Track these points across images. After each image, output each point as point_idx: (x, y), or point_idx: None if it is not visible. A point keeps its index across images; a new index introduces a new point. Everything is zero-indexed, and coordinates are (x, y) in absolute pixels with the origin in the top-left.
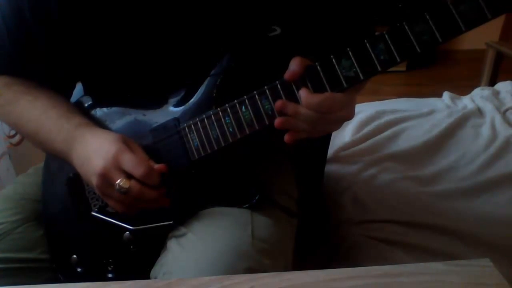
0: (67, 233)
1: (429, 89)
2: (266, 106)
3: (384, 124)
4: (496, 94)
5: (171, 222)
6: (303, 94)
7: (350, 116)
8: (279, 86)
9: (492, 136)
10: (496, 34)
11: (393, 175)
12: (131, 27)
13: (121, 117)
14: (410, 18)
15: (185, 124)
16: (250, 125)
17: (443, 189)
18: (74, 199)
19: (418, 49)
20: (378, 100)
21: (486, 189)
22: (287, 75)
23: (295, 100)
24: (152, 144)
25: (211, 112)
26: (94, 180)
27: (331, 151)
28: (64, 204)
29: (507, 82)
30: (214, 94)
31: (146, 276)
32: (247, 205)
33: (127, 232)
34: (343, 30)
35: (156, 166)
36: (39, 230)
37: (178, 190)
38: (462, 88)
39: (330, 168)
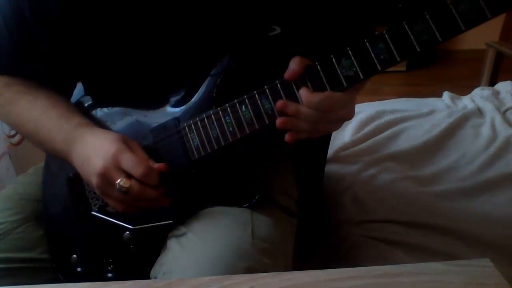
0: (67, 233)
1: (429, 89)
2: (266, 106)
3: (384, 124)
4: (496, 94)
5: (171, 221)
6: (303, 93)
7: (350, 115)
8: (279, 86)
9: (492, 136)
10: (496, 34)
11: (393, 175)
12: (132, 27)
13: (121, 117)
14: (410, 18)
15: (185, 124)
16: (250, 125)
17: (443, 189)
18: (74, 199)
19: (418, 49)
20: (378, 100)
21: (486, 189)
22: (287, 74)
23: (295, 99)
24: (152, 143)
25: (211, 112)
26: (94, 180)
27: (331, 151)
28: (64, 204)
29: (507, 82)
30: (214, 94)
31: (146, 276)
32: (247, 204)
33: (127, 232)
34: (343, 30)
35: (156, 165)
36: (39, 230)
37: (178, 189)
38: (462, 88)
39: (330, 168)
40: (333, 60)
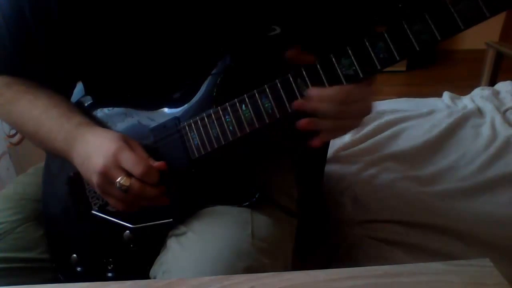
0: (67, 232)
1: (429, 89)
2: (266, 105)
3: (384, 124)
4: (496, 94)
5: (171, 220)
6: (315, 89)
7: (369, 109)
8: (279, 85)
9: (492, 136)
10: (496, 34)
11: (393, 175)
12: (132, 27)
13: (122, 118)
14: (409, 17)
15: (185, 123)
16: (250, 124)
17: (443, 189)
18: (74, 198)
19: (417, 48)
20: (378, 100)
21: (486, 189)
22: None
23: (295, 99)
24: (152, 143)
25: (211, 111)
26: (94, 179)
27: (331, 151)
28: (64, 203)
29: (507, 82)
30: (214, 93)
31: (146, 275)
32: (247, 204)
33: (127, 231)
34: (343, 30)
35: (155, 164)
36: (39, 230)
37: (178, 188)
38: (462, 88)
39: (330, 168)
40: (333, 59)
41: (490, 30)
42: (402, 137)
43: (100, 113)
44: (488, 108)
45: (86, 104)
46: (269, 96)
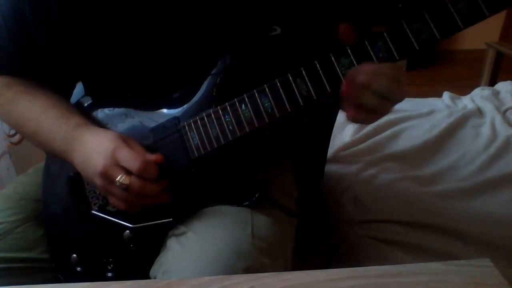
0: (67, 232)
1: (429, 89)
2: (266, 104)
3: (384, 124)
4: (496, 94)
5: (171, 219)
6: (367, 65)
7: (404, 95)
8: (278, 84)
9: (492, 136)
10: (496, 34)
11: (393, 175)
12: (132, 27)
13: (122, 118)
14: (409, 16)
15: (185, 123)
16: (250, 123)
17: (443, 189)
18: (74, 198)
19: (417, 47)
20: None
21: (486, 189)
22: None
23: (294, 97)
24: (152, 143)
25: (211, 111)
26: (96, 180)
27: (331, 151)
28: (64, 203)
29: (507, 82)
30: (214, 93)
31: (146, 275)
32: (246, 203)
33: (127, 231)
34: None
35: (152, 157)
36: (39, 230)
37: (178, 188)
38: (462, 88)
39: (330, 168)
40: (332, 58)
41: (490, 30)
42: (402, 137)
43: (101, 113)
44: (488, 108)
45: (85, 105)
46: (269, 95)
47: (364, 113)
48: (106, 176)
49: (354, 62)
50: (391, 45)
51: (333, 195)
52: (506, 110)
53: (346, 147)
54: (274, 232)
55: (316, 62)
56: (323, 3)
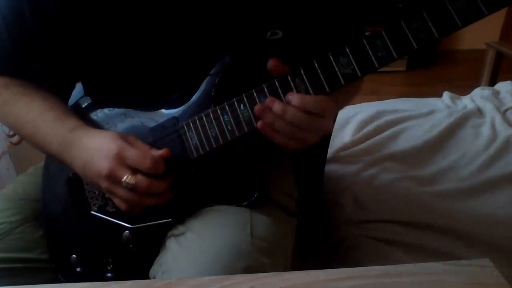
0: (67, 232)
1: (429, 89)
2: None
3: (384, 124)
4: (496, 94)
5: (170, 220)
6: (296, 95)
7: (331, 128)
8: (277, 84)
9: (492, 136)
10: (496, 34)
11: (393, 175)
12: (132, 27)
13: (121, 118)
14: (407, 15)
15: (183, 123)
16: (249, 123)
17: (443, 189)
18: (74, 199)
19: (415, 46)
20: (378, 100)
21: (486, 189)
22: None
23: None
24: (151, 143)
25: (209, 111)
26: (101, 182)
27: (331, 151)
28: (63, 203)
29: (507, 82)
30: (212, 93)
31: (146, 275)
32: (246, 203)
33: (127, 231)
34: (343, 32)
35: (159, 153)
36: (39, 230)
37: (177, 188)
38: (462, 88)
39: (330, 168)
40: (331, 58)
41: (490, 30)
42: (402, 137)
43: (101, 113)
44: (488, 108)
45: (83, 106)
46: (268, 95)
47: (281, 138)
48: (112, 178)
49: (353, 61)
50: (389, 44)
51: (333, 195)
52: (506, 110)
53: (346, 147)
54: (273, 232)
55: (314, 61)
56: (324, 6)
